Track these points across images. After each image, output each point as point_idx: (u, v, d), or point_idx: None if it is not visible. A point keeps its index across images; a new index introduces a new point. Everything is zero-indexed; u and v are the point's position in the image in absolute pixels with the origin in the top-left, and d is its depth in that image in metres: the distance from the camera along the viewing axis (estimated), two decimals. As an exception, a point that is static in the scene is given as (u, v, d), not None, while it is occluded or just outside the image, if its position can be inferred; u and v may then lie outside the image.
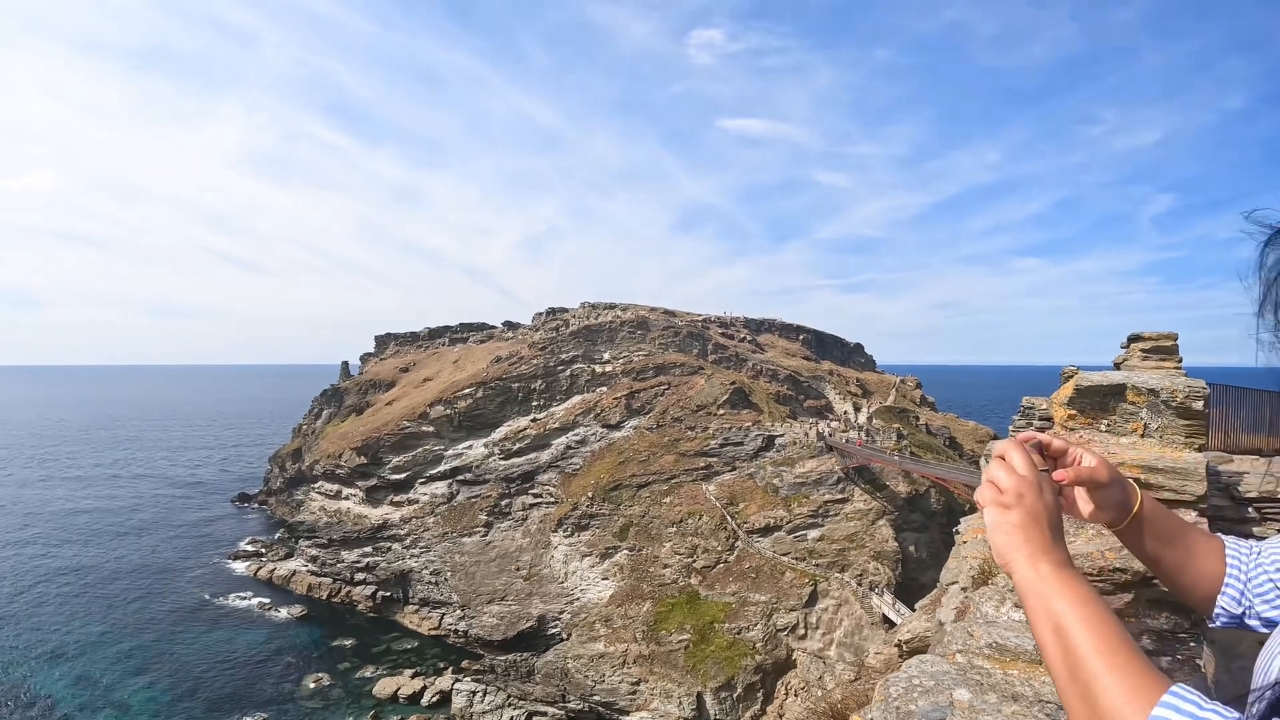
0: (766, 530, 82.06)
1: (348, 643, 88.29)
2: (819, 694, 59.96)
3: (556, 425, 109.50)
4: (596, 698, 70.78)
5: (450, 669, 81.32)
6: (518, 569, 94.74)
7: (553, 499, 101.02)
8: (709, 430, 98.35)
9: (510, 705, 71.05)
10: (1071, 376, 8.64)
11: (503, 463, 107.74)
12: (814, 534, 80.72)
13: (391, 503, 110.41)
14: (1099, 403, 7.52)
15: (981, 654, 4.86)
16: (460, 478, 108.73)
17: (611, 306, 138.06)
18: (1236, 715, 2.09)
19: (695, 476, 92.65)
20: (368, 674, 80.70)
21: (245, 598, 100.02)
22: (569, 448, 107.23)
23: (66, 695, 73.16)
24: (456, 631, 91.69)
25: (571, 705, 71.12)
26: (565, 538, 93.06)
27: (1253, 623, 2.58)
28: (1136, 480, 6.51)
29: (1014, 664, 4.71)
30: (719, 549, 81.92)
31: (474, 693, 72.61)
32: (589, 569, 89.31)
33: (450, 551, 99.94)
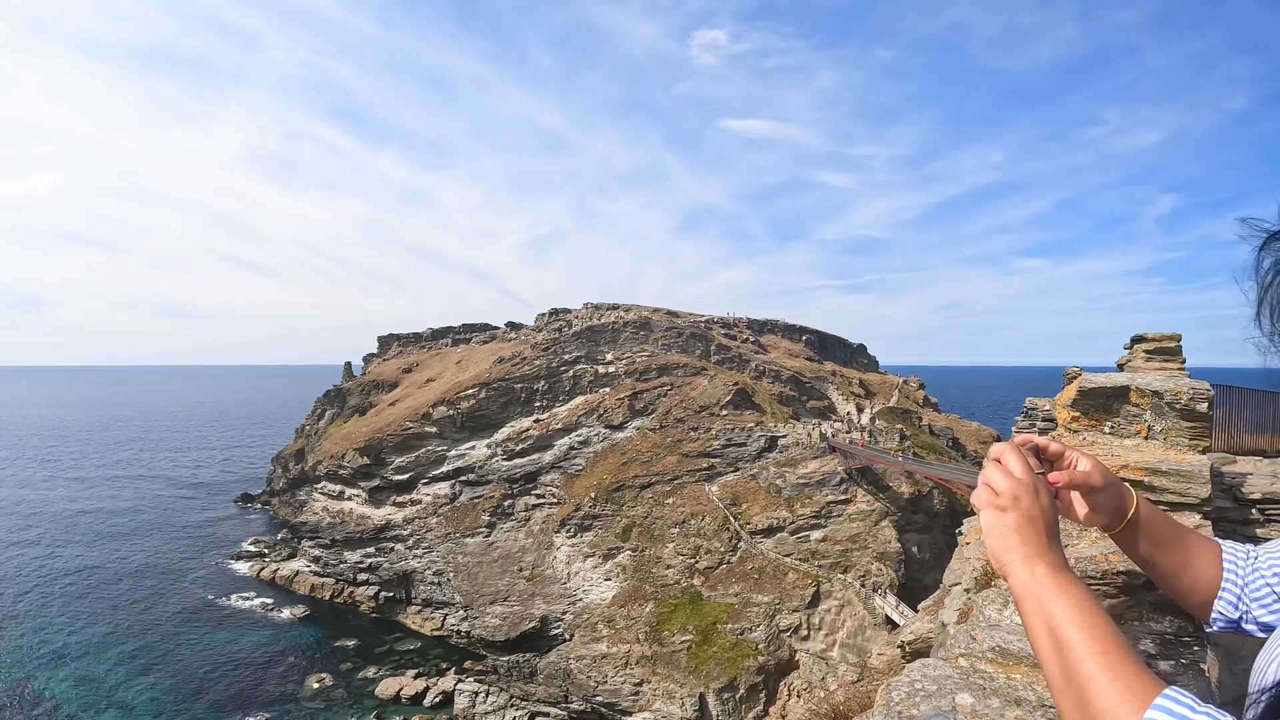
0: (769, 531, 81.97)
1: (350, 643, 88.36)
2: (821, 695, 59.84)
3: (559, 426, 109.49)
4: (599, 698, 70.74)
5: (453, 669, 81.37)
6: (520, 570, 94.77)
7: (555, 500, 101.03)
8: (712, 431, 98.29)
9: (513, 706, 71.04)
10: (1074, 378, 8.60)
11: (505, 463, 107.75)
12: (817, 535, 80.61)
13: (394, 503, 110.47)
14: (1102, 404, 7.49)
15: (984, 658, 4.84)
16: (463, 478, 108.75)
17: (614, 307, 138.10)
18: (1231, 718, 2.08)
19: (698, 477, 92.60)
20: (370, 674, 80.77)
21: (248, 598, 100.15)
22: (572, 448, 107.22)
23: (71, 695, 73.31)
24: (459, 632, 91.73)
25: (574, 706, 71.08)
26: (568, 538, 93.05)
27: (1250, 627, 2.57)
28: (1140, 483, 6.51)
29: (1017, 668, 4.69)
30: (722, 550, 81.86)
31: (477, 693, 72.60)
32: (591, 570, 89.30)
33: (453, 552, 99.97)
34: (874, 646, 64.72)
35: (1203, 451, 7.14)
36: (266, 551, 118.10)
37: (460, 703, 72.40)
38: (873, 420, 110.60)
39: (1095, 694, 2.08)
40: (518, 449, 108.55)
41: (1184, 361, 10.76)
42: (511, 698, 71.87)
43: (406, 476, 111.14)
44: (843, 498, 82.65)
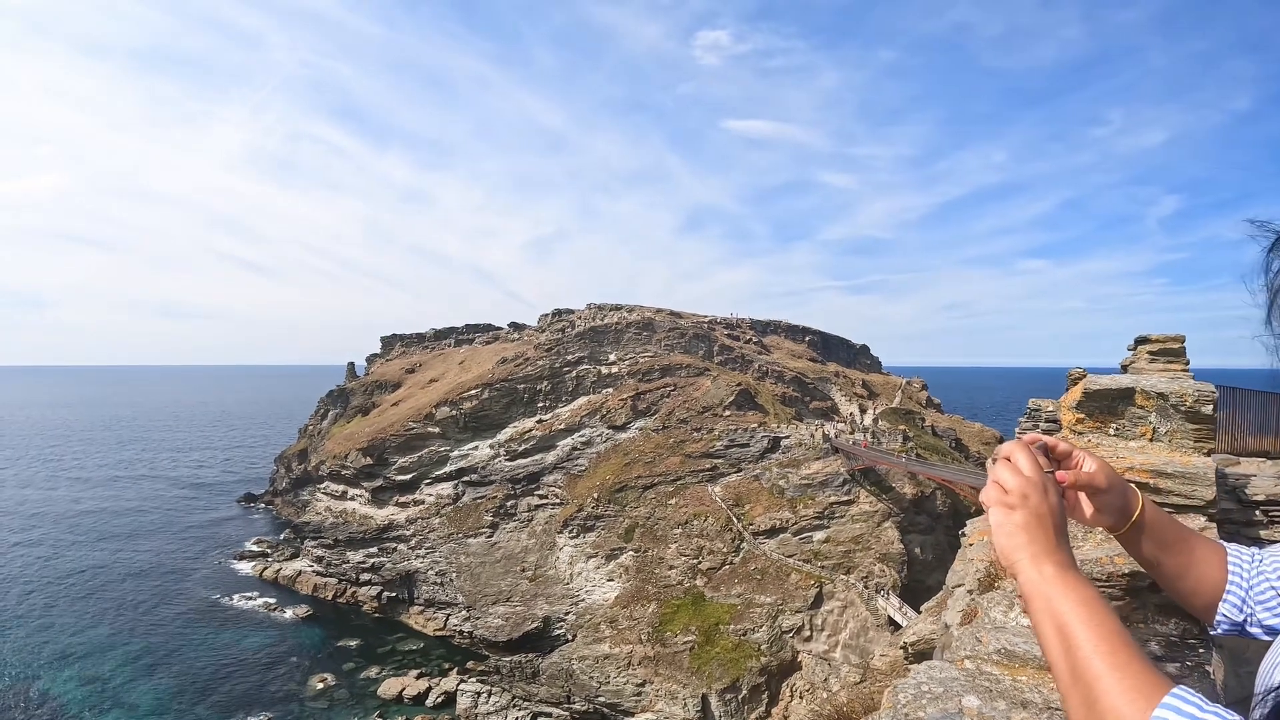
0: (772, 532, 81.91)
1: (353, 643, 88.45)
2: (824, 696, 59.81)
3: (562, 426, 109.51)
4: (601, 699, 70.75)
5: (455, 670, 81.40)
6: (523, 570, 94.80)
7: (558, 500, 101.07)
8: (715, 432, 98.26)
9: (515, 706, 71.05)
10: (1078, 379, 8.62)
11: (508, 464, 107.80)
12: (820, 536, 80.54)
13: (397, 503, 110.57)
14: (1107, 406, 7.49)
15: (990, 660, 4.85)
16: (466, 479, 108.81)
17: (618, 308, 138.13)
18: (1238, 718, 2.10)
19: (701, 478, 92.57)
20: (373, 674, 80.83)
21: (251, 598, 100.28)
22: (575, 449, 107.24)
23: (76, 695, 73.46)
24: (462, 632, 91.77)
25: (576, 706, 71.07)
26: (571, 539, 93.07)
27: (1254, 630, 2.58)
28: (1145, 485, 6.51)
29: (1023, 670, 4.70)
30: (724, 550, 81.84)
31: (479, 693, 72.63)
32: (594, 570, 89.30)
33: (456, 552, 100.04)
34: (876, 648, 64.67)
35: (1207, 453, 7.14)
36: (269, 551, 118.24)
37: (463, 703, 72.44)
38: (876, 421, 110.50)
39: (1103, 692, 2.10)
40: (521, 449, 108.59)
41: (1188, 363, 10.76)
42: (514, 698, 71.87)
43: (409, 477, 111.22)
44: (846, 499, 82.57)
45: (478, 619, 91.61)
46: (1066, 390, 10.34)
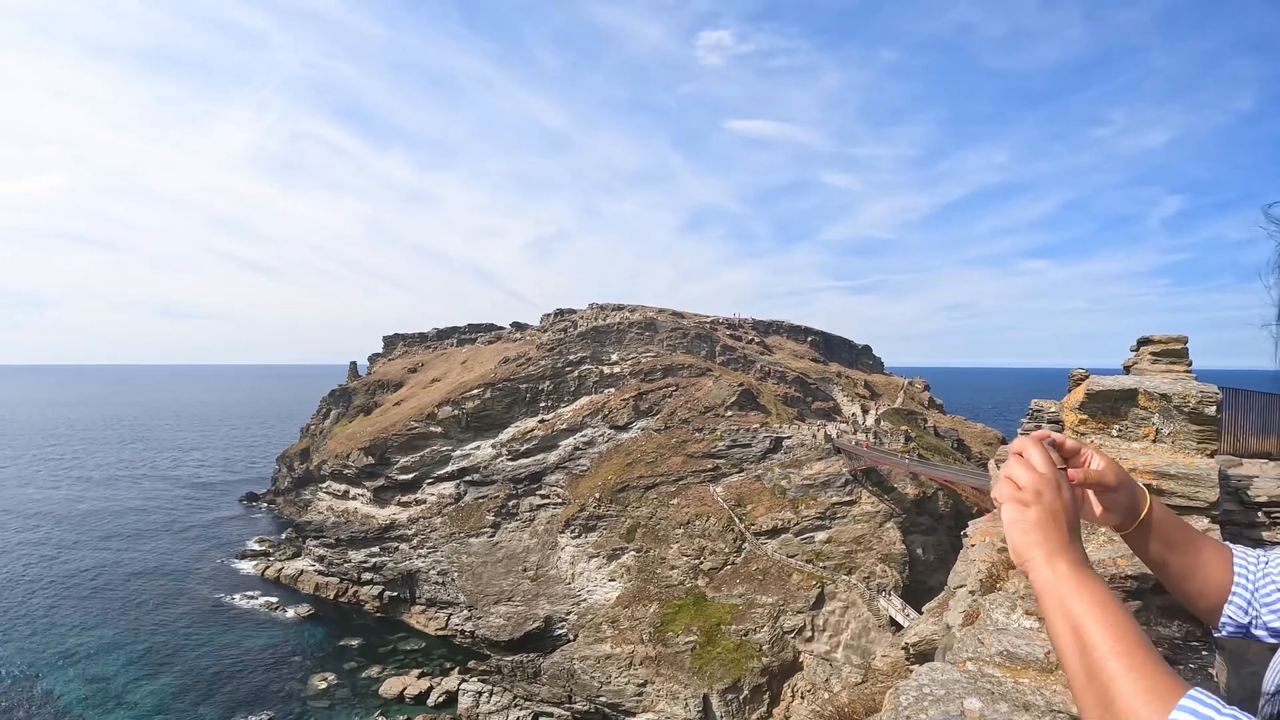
0: (774, 532, 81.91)
1: (354, 642, 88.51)
2: (825, 697, 59.79)
3: (564, 426, 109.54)
4: (603, 699, 70.76)
5: (457, 669, 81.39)
6: (525, 570, 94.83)
7: (560, 500, 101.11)
8: (717, 432, 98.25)
9: (516, 706, 71.08)
10: (1080, 380, 8.60)
11: (510, 463, 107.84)
12: (821, 536, 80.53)
13: (399, 503, 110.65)
14: (1110, 407, 7.47)
15: (992, 662, 4.83)
16: (468, 478, 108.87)
17: (620, 308, 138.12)
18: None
19: (703, 478, 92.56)
20: (374, 674, 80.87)
21: (253, 597, 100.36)
22: (576, 449, 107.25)
23: (79, 694, 73.57)
24: (463, 632, 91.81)
25: (578, 706, 71.09)
26: (572, 539, 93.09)
27: (1259, 633, 2.56)
28: (1148, 486, 6.48)
29: (1025, 672, 4.68)
30: (726, 550, 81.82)
31: (480, 693, 72.67)
32: (596, 570, 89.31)
33: (457, 552, 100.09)
34: (878, 648, 64.67)
35: (1210, 455, 7.11)
36: (271, 551, 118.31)
37: (464, 702, 72.47)
38: (878, 421, 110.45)
39: (1119, 693, 2.09)
40: (522, 449, 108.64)
41: (1190, 364, 10.72)
42: (515, 698, 71.90)
43: (411, 476, 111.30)
44: (847, 499, 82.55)
45: (479, 618, 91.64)
46: (1069, 391, 10.31)
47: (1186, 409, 7.08)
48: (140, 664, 79.94)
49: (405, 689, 76.70)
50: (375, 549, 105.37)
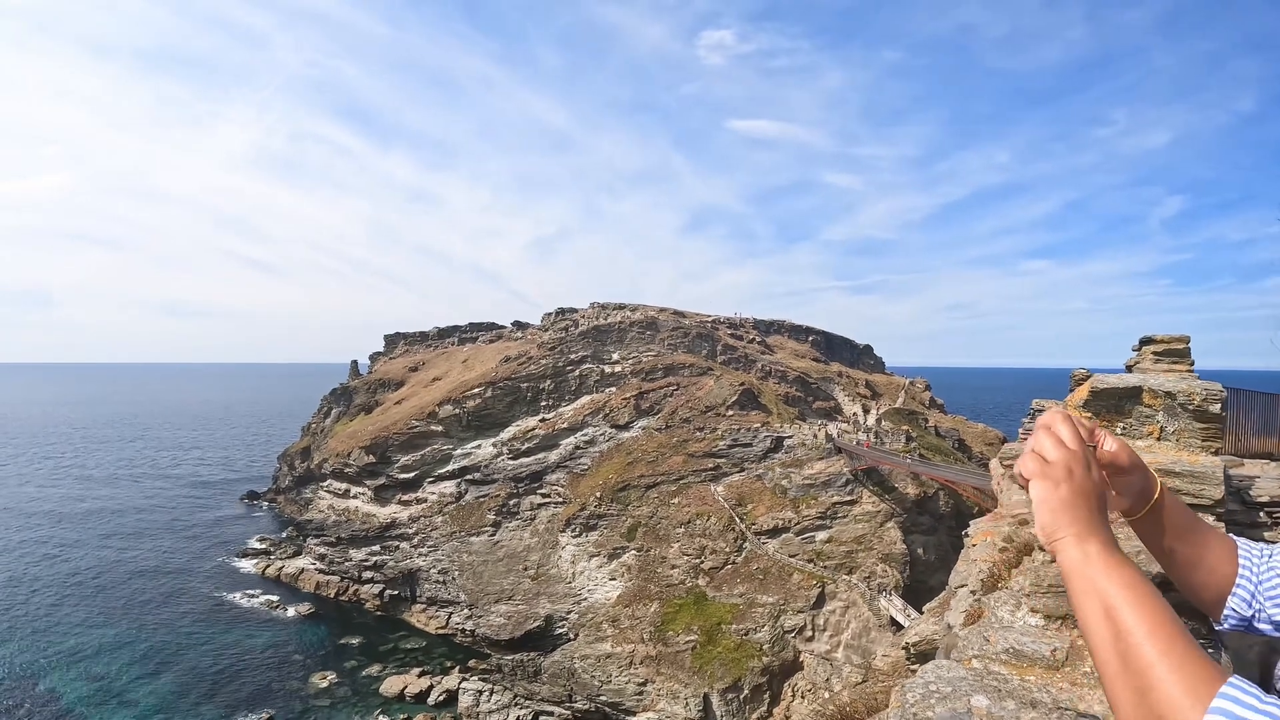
0: (774, 532, 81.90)
1: (355, 641, 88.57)
2: (826, 696, 59.78)
3: (565, 425, 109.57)
4: (603, 698, 70.77)
5: (457, 668, 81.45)
6: (525, 569, 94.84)
7: (561, 499, 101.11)
8: (718, 431, 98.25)
9: (517, 705, 71.08)
10: (1082, 380, 8.57)
11: (511, 462, 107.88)
12: (822, 536, 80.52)
13: (400, 501, 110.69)
14: (1114, 405, 7.45)
15: (998, 659, 4.82)
16: (469, 477, 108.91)
17: (621, 307, 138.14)
18: None
19: (703, 477, 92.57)
20: (375, 672, 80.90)
21: (254, 595, 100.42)
22: (577, 448, 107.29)
23: (81, 693, 73.61)
24: (464, 631, 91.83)
25: (578, 705, 71.10)
26: (573, 538, 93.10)
27: (1262, 626, 2.53)
28: (1153, 484, 6.45)
29: (1030, 670, 4.67)
30: (727, 550, 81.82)
31: (481, 692, 72.67)
32: (596, 569, 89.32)
33: (458, 551, 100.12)
34: (879, 648, 64.61)
35: (1214, 453, 7.10)
36: (272, 549, 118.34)
37: (464, 701, 72.47)
38: (879, 421, 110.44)
39: (1157, 680, 2.05)
40: (523, 448, 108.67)
41: (1193, 363, 10.70)
42: (515, 697, 71.91)
43: (412, 475, 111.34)
44: (848, 499, 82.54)
45: (480, 617, 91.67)
46: (1070, 390, 10.29)
47: (1191, 407, 7.07)
48: (141, 663, 79.99)
49: (406, 687, 76.74)
50: (376, 548, 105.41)
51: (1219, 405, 7.10)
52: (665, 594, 79.75)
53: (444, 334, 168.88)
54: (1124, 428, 7.41)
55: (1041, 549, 6.59)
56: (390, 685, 77.37)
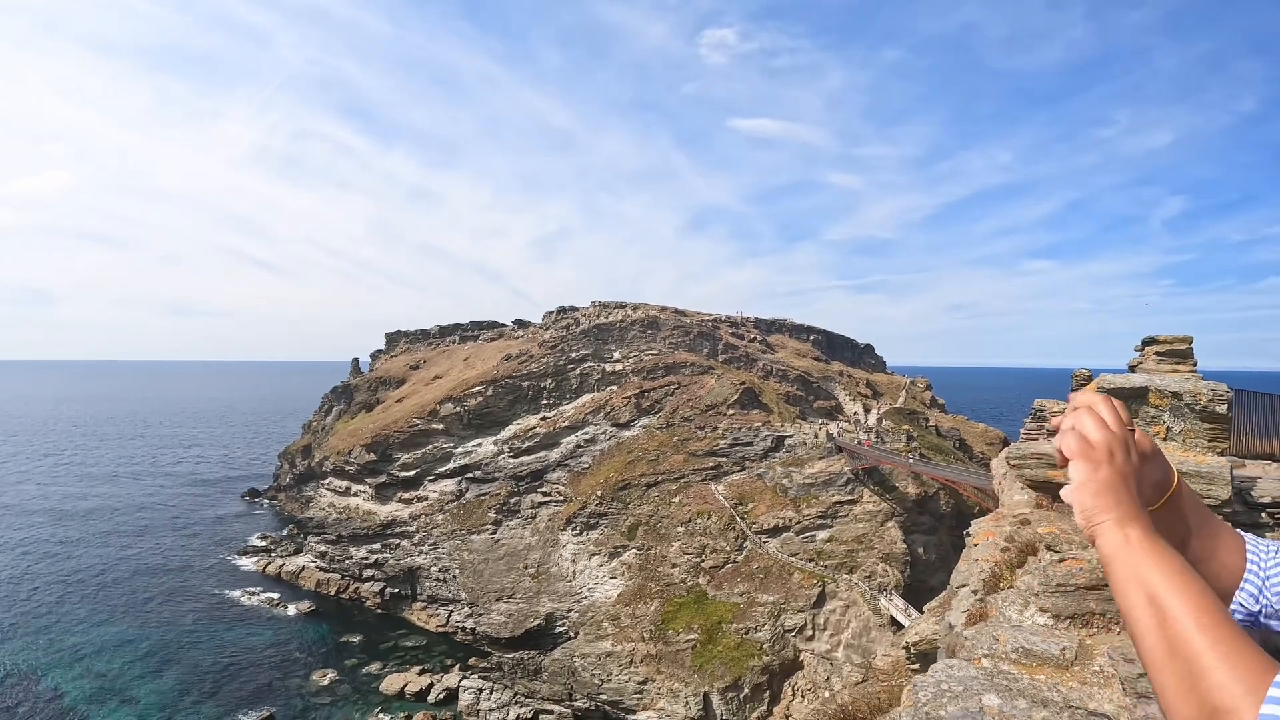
0: (775, 531, 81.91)
1: (355, 639, 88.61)
2: (826, 695, 59.79)
3: (566, 424, 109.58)
4: (603, 696, 70.80)
5: (457, 666, 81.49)
6: (526, 567, 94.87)
7: (562, 497, 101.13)
8: (718, 430, 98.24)
9: (517, 703, 71.13)
10: (1084, 380, 8.58)
11: (512, 461, 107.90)
12: (823, 535, 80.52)
13: (400, 500, 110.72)
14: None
15: (1008, 659, 4.82)
16: (469, 475, 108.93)
17: (622, 306, 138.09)
18: None
19: (704, 476, 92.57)
20: (375, 670, 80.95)
21: (254, 593, 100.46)
22: (578, 446, 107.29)
23: (83, 691, 73.67)
24: (464, 629, 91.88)
25: (578, 704, 71.15)
26: (574, 536, 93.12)
27: (1269, 621, 2.51)
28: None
29: (1041, 669, 4.67)
30: (727, 549, 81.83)
31: (481, 690, 72.74)
32: (597, 568, 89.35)
33: (459, 549, 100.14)
34: (879, 648, 64.58)
35: (1220, 453, 7.10)
36: (273, 547, 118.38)
37: (464, 699, 72.52)
38: (880, 421, 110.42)
39: (1207, 669, 2.01)
40: (524, 446, 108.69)
41: (1195, 364, 10.70)
42: (516, 695, 71.97)
43: (413, 473, 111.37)
44: (849, 498, 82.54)
45: (480, 616, 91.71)
46: (1072, 390, 10.28)
47: (1198, 407, 7.07)
48: (143, 660, 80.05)
49: (406, 686, 76.77)
50: (377, 546, 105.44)
51: (1225, 406, 7.11)
52: (666, 593, 79.78)
53: (445, 332, 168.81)
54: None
55: (1049, 548, 6.59)
56: (390, 683, 77.41)
